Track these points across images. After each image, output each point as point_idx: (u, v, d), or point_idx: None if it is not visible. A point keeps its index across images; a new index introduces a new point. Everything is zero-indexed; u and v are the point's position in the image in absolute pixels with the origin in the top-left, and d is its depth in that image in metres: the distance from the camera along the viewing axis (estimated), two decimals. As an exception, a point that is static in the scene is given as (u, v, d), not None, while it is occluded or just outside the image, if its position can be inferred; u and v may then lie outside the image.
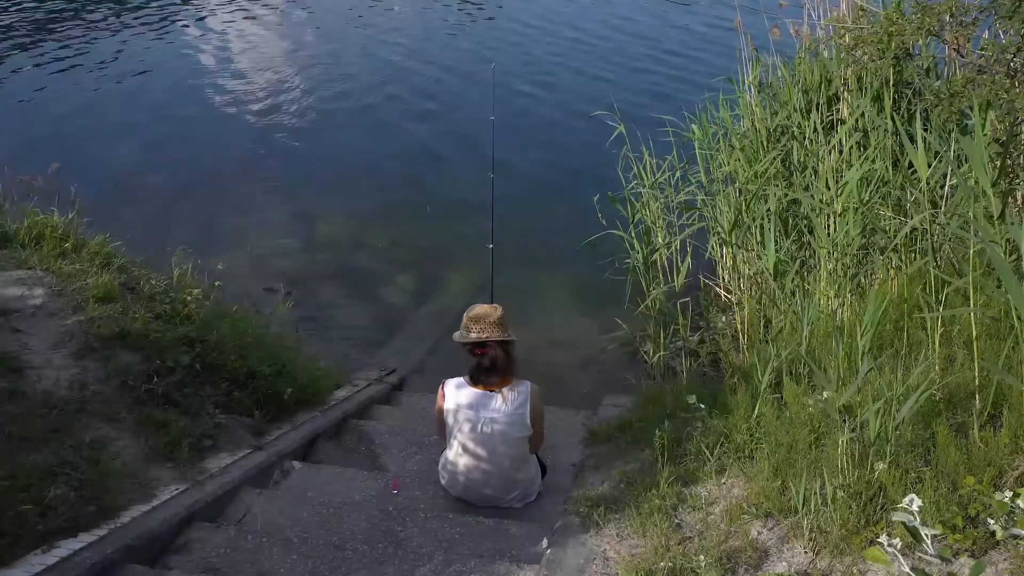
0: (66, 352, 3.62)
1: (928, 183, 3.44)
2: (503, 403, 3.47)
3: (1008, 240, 2.93)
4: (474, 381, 3.52)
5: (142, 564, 2.90)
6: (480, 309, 3.56)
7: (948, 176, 3.69)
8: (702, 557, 2.60)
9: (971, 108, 3.43)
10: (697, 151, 5.49)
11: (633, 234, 5.79)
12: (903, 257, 3.91)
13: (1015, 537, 2.19)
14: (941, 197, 3.73)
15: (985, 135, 3.12)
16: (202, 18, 12.16)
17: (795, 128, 4.85)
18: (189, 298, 4.19)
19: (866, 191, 3.99)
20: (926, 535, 1.83)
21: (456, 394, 3.53)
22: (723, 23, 10.63)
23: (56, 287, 4.00)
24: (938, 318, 3.09)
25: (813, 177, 4.47)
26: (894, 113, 4.20)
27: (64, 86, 9.42)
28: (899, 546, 1.81)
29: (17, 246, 4.33)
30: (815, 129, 4.60)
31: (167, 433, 3.44)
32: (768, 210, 4.43)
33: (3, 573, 2.56)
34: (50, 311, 3.83)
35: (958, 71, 4.17)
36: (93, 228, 4.72)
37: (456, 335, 3.57)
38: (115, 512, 2.97)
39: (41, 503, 2.80)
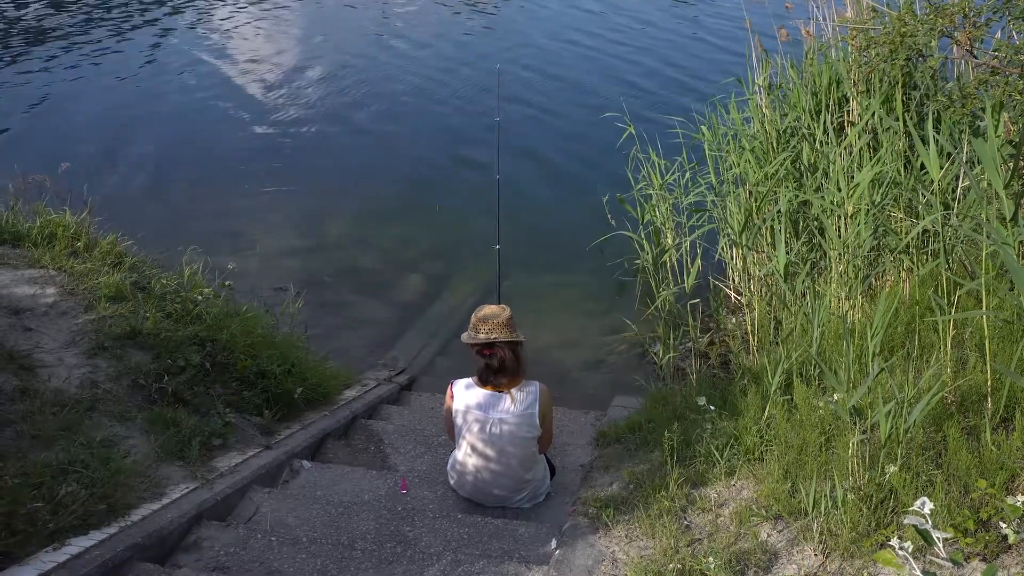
0: (77, 351, 3.65)
1: (940, 185, 3.42)
2: (512, 404, 3.47)
3: (1021, 242, 2.91)
4: (483, 382, 3.52)
5: (152, 562, 2.91)
6: (488, 310, 3.56)
7: (960, 178, 3.67)
8: (711, 559, 2.59)
9: (983, 109, 3.41)
10: (707, 152, 5.48)
11: (642, 235, 5.79)
12: (915, 259, 3.89)
13: (1027, 541, 2.18)
14: (953, 199, 3.70)
15: (998, 136, 3.10)
16: (212, 19, 12.21)
17: (805, 130, 4.84)
18: (199, 297, 4.21)
19: (877, 193, 3.97)
20: (937, 538, 1.82)
21: (465, 394, 3.54)
22: (732, 25, 10.63)
23: (68, 286, 4.03)
24: (950, 320, 3.08)
25: (824, 179, 4.45)
26: (905, 115, 4.18)
27: (74, 87, 9.48)
28: (910, 549, 1.80)
29: (29, 245, 4.36)
30: (825, 131, 4.58)
31: (177, 432, 3.46)
32: (778, 211, 4.42)
33: (15, 569, 2.57)
34: (62, 310, 3.86)
35: (971, 72, 4.15)
36: (104, 227, 4.75)
37: (464, 336, 3.57)
38: (125, 510, 2.99)
39: (52, 500, 2.82)
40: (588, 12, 12.50)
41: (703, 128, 5.58)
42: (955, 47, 3.89)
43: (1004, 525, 2.24)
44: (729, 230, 4.95)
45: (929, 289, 3.47)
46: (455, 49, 11.10)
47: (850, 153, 4.32)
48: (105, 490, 2.98)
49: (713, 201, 5.31)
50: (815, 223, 4.50)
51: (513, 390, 3.49)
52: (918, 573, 1.83)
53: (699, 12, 12.43)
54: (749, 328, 4.63)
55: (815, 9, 5.25)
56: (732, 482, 3.09)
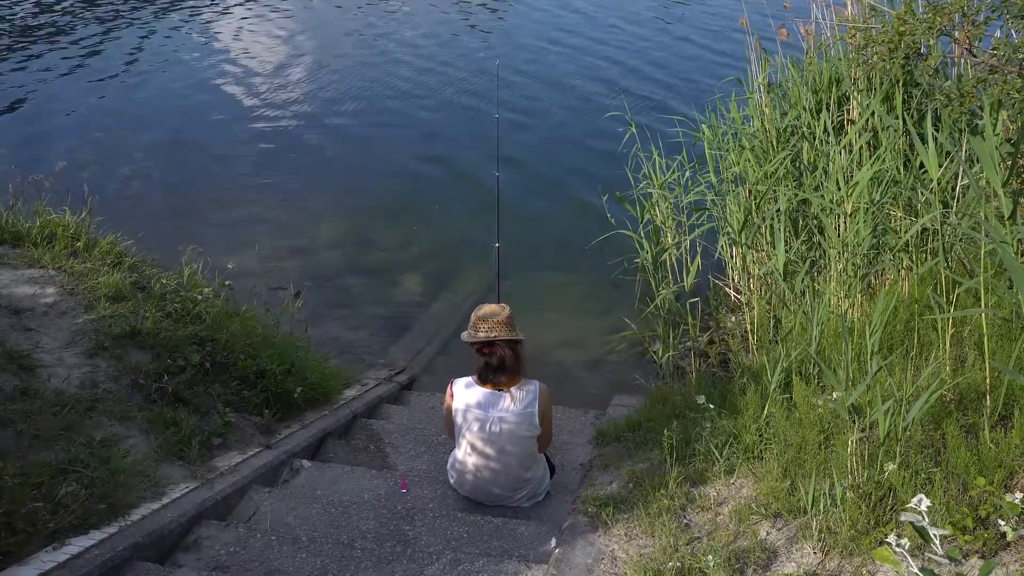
0: (77, 350, 3.65)
1: (939, 183, 3.42)
2: (511, 402, 3.47)
3: (1020, 241, 2.92)
4: (482, 380, 3.52)
5: (152, 562, 2.92)
6: (488, 308, 3.56)
7: (959, 176, 3.67)
8: (711, 557, 2.60)
9: (982, 108, 3.41)
10: (707, 151, 5.48)
11: (642, 234, 5.79)
12: (914, 257, 3.89)
13: (1026, 538, 2.18)
14: (952, 197, 3.71)
15: (996, 135, 3.10)
16: (211, 19, 12.21)
17: (805, 128, 4.84)
18: (199, 297, 4.22)
19: (877, 191, 3.98)
20: (935, 535, 1.83)
21: (465, 393, 3.54)
22: (732, 24, 10.62)
23: (68, 286, 4.03)
24: (949, 319, 3.08)
25: (823, 177, 4.46)
26: (904, 113, 4.18)
27: (73, 86, 9.48)
28: (908, 547, 1.80)
29: (29, 245, 4.37)
30: (825, 129, 4.58)
31: (177, 431, 3.47)
32: (778, 210, 4.42)
33: (15, 569, 2.57)
34: (62, 310, 3.86)
35: (970, 70, 4.15)
36: (104, 227, 4.75)
37: (464, 334, 3.58)
38: (125, 510, 2.99)
39: (52, 500, 2.82)
40: (582, 15, 12.51)
41: (703, 127, 5.58)
42: (954, 46, 3.88)
43: (1003, 522, 2.25)
44: (729, 229, 4.95)
45: (928, 287, 3.47)
46: (452, 49, 11.11)
47: (850, 152, 4.33)
48: (105, 490, 2.98)
49: (713, 200, 5.31)
50: (815, 222, 4.51)
51: (513, 389, 3.50)
52: (916, 570, 1.84)
53: (697, 12, 12.43)
54: (748, 327, 4.63)
55: (814, 8, 5.25)
56: (731, 480, 3.09)
